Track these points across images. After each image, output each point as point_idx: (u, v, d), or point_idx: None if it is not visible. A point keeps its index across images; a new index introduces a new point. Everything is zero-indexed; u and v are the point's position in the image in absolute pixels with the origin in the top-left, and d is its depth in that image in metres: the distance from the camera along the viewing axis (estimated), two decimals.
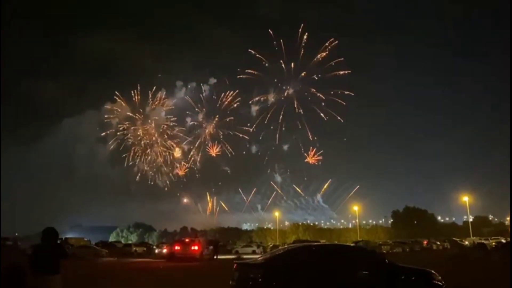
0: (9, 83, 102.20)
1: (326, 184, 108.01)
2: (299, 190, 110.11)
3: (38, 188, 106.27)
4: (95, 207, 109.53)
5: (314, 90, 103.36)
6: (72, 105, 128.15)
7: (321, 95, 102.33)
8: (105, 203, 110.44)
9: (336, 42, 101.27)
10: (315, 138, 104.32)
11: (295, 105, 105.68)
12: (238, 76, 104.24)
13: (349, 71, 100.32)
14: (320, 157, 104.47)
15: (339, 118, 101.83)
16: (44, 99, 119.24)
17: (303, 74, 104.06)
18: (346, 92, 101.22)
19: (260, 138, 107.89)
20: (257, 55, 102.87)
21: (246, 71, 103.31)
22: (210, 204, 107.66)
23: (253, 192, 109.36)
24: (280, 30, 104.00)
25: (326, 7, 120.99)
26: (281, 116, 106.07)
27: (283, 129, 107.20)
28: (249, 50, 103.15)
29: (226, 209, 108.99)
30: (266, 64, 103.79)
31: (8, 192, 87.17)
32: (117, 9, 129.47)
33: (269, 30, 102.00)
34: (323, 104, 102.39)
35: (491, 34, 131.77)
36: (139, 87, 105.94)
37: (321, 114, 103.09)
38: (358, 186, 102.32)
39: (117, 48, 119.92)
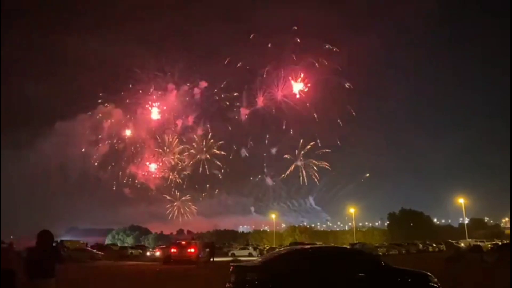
0: (3, 85, 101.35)
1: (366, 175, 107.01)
2: (269, 180, 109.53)
3: (33, 191, 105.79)
4: (91, 209, 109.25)
5: (304, 94, 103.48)
6: (65, 108, 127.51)
7: (313, 100, 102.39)
8: (101, 206, 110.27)
9: (331, 48, 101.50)
10: (302, 140, 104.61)
11: (285, 109, 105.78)
12: (224, 83, 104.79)
13: (349, 86, 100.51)
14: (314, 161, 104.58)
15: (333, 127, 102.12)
16: (37, 102, 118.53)
17: (298, 79, 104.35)
18: (347, 108, 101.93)
19: (250, 142, 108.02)
20: (242, 64, 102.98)
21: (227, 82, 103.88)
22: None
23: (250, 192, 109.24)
24: (273, 35, 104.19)
25: (325, 8, 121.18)
26: (268, 122, 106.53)
27: (267, 137, 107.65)
28: (229, 58, 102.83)
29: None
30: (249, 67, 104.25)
31: (3, 194, 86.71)
32: (112, 11, 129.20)
33: (258, 36, 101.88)
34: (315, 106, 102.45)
35: (491, 35, 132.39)
36: (132, 89, 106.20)
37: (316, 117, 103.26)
38: (368, 175, 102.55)
39: (112, 50, 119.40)
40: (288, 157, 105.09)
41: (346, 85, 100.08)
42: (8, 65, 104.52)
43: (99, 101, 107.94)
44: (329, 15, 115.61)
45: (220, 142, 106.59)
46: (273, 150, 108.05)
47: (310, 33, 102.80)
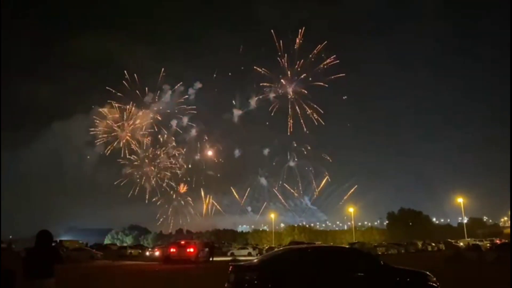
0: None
1: (323, 180, 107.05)
2: (263, 180, 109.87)
3: (32, 191, 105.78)
4: (89, 209, 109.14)
5: (305, 90, 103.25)
6: (63, 108, 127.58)
7: (311, 103, 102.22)
8: (100, 206, 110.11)
9: (325, 42, 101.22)
10: (294, 142, 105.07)
11: (276, 110, 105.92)
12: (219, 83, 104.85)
13: (343, 74, 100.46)
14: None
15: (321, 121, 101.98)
16: (34, 102, 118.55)
17: (287, 74, 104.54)
18: (344, 100, 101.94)
19: (241, 148, 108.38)
20: (236, 65, 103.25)
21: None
22: (205, 206, 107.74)
23: (246, 193, 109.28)
24: (269, 37, 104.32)
25: (322, 8, 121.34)
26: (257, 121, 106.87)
27: (260, 138, 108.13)
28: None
29: (221, 210, 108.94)
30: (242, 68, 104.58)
31: (2, 194, 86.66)
32: (110, 12, 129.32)
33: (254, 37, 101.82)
34: (309, 107, 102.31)
35: (490, 34, 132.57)
36: (127, 90, 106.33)
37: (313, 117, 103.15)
38: (356, 186, 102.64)
39: (108, 50, 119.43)
40: (274, 164, 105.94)
41: (343, 98, 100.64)
42: (6, 66, 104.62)
43: (98, 100, 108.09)
44: (326, 20, 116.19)
45: (217, 145, 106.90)
46: (266, 151, 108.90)
47: (308, 37, 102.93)
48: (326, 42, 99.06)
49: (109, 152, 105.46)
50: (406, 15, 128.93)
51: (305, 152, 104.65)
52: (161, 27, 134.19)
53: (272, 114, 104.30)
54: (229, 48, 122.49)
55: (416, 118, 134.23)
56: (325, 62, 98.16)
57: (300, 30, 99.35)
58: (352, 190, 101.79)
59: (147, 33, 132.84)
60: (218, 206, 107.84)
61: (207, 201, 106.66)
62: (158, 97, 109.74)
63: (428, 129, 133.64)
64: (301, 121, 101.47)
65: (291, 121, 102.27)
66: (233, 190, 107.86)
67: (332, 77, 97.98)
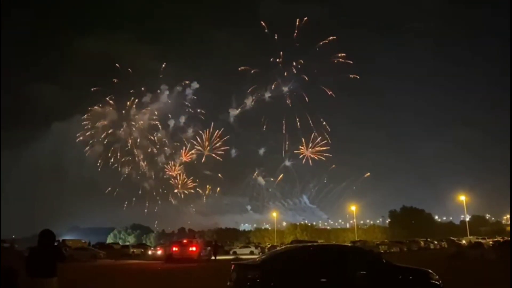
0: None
1: (367, 174, 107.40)
2: (261, 179, 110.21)
3: (34, 191, 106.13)
4: (92, 209, 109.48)
5: (305, 93, 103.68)
6: (63, 108, 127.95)
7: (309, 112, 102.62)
8: (102, 205, 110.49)
9: (333, 38, 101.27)
10: (289, 144, 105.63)
11: (273, 112, 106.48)
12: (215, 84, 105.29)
13: (357, 76, 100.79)
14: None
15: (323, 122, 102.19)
16: (34, 102, 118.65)
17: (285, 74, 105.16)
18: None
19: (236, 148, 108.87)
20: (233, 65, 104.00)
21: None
22: (207, 191, 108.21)
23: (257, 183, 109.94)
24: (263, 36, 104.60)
25: (324, 7, 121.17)
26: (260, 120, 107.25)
27: (257, 138, 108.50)
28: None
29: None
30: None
31: (4, 194, 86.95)
32: (110, 12, 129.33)
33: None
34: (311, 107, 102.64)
35: (491, 32, 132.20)
36: (126, 90, 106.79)
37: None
38: (368, 174, 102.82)
39: (106, 51, 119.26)
40: (271, 164, 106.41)
41: (353, 76, 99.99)
42: (6, 66, 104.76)
43: (97, 100, 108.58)
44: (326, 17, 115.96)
45: (217, 144, 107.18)
46: (261, 151, 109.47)
47: (309, 37, 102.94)
48: (335, 37, 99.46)
49: (103, 156, 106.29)
50: (408, 14, 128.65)
51: (301, 156, 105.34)
52: (161, 27, 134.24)
53: (268, 117, 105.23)
54: (228, 48, 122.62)
55: (418, 116, 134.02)
56: (336, 55, 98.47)
57: (298, 20, 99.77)
58: (366, 175, 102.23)
59: (146, 33, 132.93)
60: (217, 192, 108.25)
61: (207, 191, 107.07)
62: (156, 97, 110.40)
63: (430, 127, 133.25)
64: (301, 132, 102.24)
65: (287, 138, 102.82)
66: (220, 176, 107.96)
67: (351, 76, 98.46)
